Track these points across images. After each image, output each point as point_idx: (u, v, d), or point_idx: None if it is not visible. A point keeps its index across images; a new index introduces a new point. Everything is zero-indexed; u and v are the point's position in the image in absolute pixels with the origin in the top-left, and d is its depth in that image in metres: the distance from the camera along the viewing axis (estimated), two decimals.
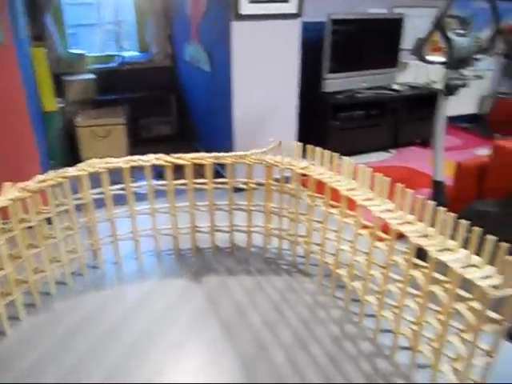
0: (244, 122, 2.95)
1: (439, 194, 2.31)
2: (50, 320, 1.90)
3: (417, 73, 4.10)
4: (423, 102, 3.78)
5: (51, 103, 3.23)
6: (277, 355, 1.70)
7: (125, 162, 2.14)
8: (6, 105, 2.37)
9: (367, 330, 1.83)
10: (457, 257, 1.37)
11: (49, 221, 2.00)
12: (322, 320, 1.89)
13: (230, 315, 1.91)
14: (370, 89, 3.69)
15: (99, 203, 2.16)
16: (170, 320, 1.89)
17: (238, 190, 2.30)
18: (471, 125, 4.65)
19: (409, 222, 1.55)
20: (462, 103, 4.66)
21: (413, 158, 3.74)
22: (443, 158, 2.26)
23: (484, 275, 1.29)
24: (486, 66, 4.57)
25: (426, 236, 1.47)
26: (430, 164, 3.15)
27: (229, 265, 2.27)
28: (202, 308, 1.96)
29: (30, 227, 1.91)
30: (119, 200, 2.20)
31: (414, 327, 1.57)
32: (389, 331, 1.74)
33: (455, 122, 4.69)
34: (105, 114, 3.60)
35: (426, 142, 3.98)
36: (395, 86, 3.83)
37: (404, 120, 3.82)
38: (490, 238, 1.32)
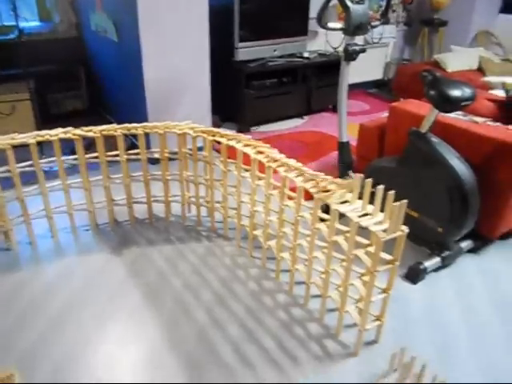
0: (156, 93, 2.92)
1: (345, 153, 2.48)
2: None
3: (326, 41, 4.25)
4: (333, 68, 3.92)
5: None
6: (198, 314, 1.78)
7: (31, 137, 2.05)
8: None
9: (284, 284, 1.96)
10: (354, 207, 1.50)
11: None
12: (241, 279, 1.99)
13: (151, 283, 1.95)
14: (281, 57, 3.77)
15: (7, 183, 2.06)
16: (91, 293, 1.89)
17: (154, 161, 2.31)
18: (378, 90, 4.94)
19: (312, 180, 1.67)
20: (369, 70, 4.92)
21: (324, 123, 3.91)
22: (346, 120, 2.41)
23: (376, 221, 1.44)
24: (390, 34, 4.84)
25: (327, 191, 1.60)
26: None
27: (149, 235, 2.29)
28: (123, 279, 1.98)
29: None
30: (28, 178, 2.12)
31: (323, 276, 1.72)
32: (302, 283, 1.88)
33: (363, 87, 4.96)
34: (6, 89, 3.37)
35: (335, 108, 4.17)
36: (306, 54, 3.94)
37: (315, 87, 3.97)
38: (379, 187, 1.46)
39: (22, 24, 3.76)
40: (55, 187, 2.18)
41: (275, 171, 1.79)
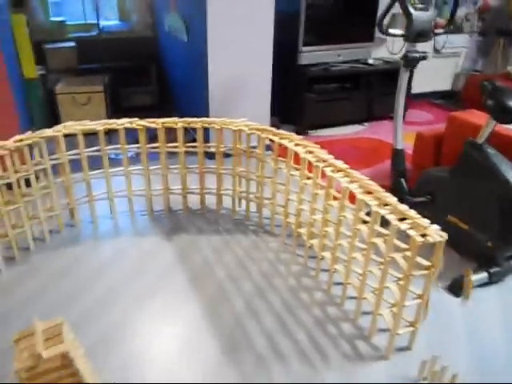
0: (219, 92, 3.05)
1: (398, 161, 2.46)
2: (28, 271, 2.03)
3: (392, 48, 4.20)
4: (397, 76, 3.88)
5: (31, 70, 3.28)
6: (237, 302, 1.86)
7: (100, 124, 2.24)
8: None
9: (322, 283, 2.00)
10: (394, 210, 1.52)
11: (27, 182, 2.11)
12: (282, 274, 2.05)
13: (197, 269, 2.06)
14: (345, 62, 3.79)
15: (76, 166, 2.26)
16: (141, 271, 2.04)
17: (211, 156, 2.43)
18: (445, 101, 4.79)
19: (356, 181, 1.69)
20: (438, 80, 4.80)
21: (384, 130, 3.87)
22: (402, 127, 2.40)
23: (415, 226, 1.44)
24: (461, 44, 4.69)
25: (370, 193, 1.62)
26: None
27: (199, 225, 2.41)
28: (172, 262, 2.10)
29: (9, 185, 2.02)
30: (95, 164, 2.31)
31: (361, 278, 1.74)
32: (341, 283, 1.90)
33: (430, 97, 4.84)
34: (85, 81, 3.66)
35: None
36: (370, 61, 3.93)
37: (378, 94, 3.94)
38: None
39: (103, 23, 4.07)
40: (118, 173, 2.36)
41: (323, 172, 1.83)
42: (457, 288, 1.97)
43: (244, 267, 2.08)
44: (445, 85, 4.90)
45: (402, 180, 2.44)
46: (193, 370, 1.55)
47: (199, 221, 2.45)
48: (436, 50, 4.54)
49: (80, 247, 2.21)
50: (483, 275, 1.99)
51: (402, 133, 2.42)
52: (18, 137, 2.07)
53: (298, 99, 3.65)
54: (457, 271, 2.01)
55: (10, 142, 2.02)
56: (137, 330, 1.71)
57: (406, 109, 4.18)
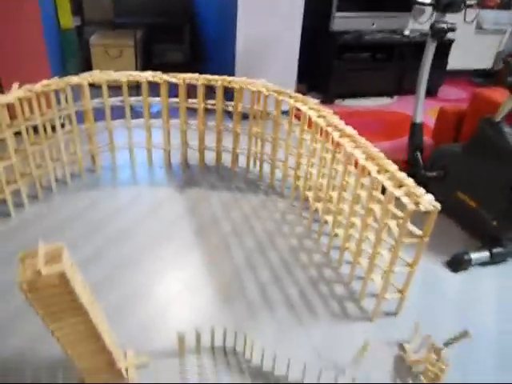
0: (246, 54, 3.06)
1: (416, 135, 2.44)
2: (50, 209, 2.18)
3: (419, 18, 4.06)
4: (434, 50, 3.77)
5: (67, 20, 3.38)
6: (238, 255, 1.95)
7: (124, 75, 2.32)
8: (20, 13, 2.53)
9: (323, 245, 2.05)
10: (392, 177, 1.54)
11: (52, 128, 2.23)
12: (285, 234, 2.11)
13: (205, 221, 2.15)
14: (379, 31, 3.70)
15: (99, 116, 2.36)
16: (152, 217, 2.15)
17: (231, 115, 2.48)
18: (483, 80, 4.62)
19: (361, 147, 1.72)
20: (478, 58, 4.63)
21: (412, 105, 3.79)
22: (423, 101, 2.37)
23: (411, 194, 1.47)
24: (508, 21, 4.48)
25: (373, 159, 1.64)
26: (427, 114, 3.24)
27: (212, 181, 2.49)
28: (182, 213, 2.20)
29: (35, 127, 2.14)
30: (119, 116, 2.41)
31: (357, 243, 1.78)
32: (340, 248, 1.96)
33: (468, 75, 4.68)
34: (118, 35, 3.74)
35: (431, 91, 4.01)
36: (406, 32, 3.82)
37: (410, 67, 3.84)
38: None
39: None
40: (139, 124, 2.45)
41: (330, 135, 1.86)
42: (456, 264, 1.99)
43: (249, 224, 2.16)
44: (486, 63, 4.72)
45: (418, 154, 2.43)
46: (188, 310, 1.66)
47: (213, 177, 2.53)
48: (479, 27, 4.36)
49: (98, 192, 2.33)
50: (485, 254, 2.00)
51: (422, 106, 2.40)
52: (45, 81, 2.17)
53: (327, 67, 3.62)
54: (459, 248, 2.02)
55: (38, 86, 2.12)
56: (142, 269, 1.83)
57: (439, 84, 4.09)
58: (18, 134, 2.05)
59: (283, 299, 1.73)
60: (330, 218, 2.00)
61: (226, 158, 2.61)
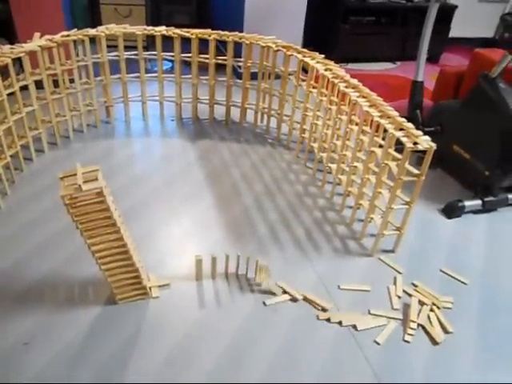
0: (254, 15, 3.14)
1: (417, 93, 2.56)
2: (69, 155, 2.31)
3: None
4: (436, 16, 3.84)
5: None
6: (247, 198, 2.09)
7: (139, 29, 2.41)
8: None
9: (326, 192, 2.20)
10: (393, 122, 1.67)
11: (70, 80, 2.33)
12: (291, 181, 2.25)
13: (215, 167, 2.29)
14: None
15: (115, 70, 2.47)
16: (165, 165, 2.29)
17: (239, 75, 2.58)
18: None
19: (365, 97, 1.84)
20: (480, 26, 4.68)
21: None
22: (425, 60, 2.48)
23: (410, 136, 1.60)
24: None
25: (376, 106, 1.77)
26: (428, 79, 3.34)
27: (222, 134, 2.62)
28: (193, 160, 2.34)
29: (55, 76, 2.25)
30: (133, 70, 2.51)
31: (359, 185, 1.92)
32: (342, 194, 2.10)
33: (470, 43, 4.74)
34: None
35: (432, 58, 4.10)
36: None
37: (414, 32, 3.91)
38: None
39: None
40: (152, 78, 2.55)
41: (338, 89, 1.98)
42: (450, 211, 2.13)
43: (257, 171, 2.30)
44: (487, 32, 4.78)
45: (418, 111, 2.55)
46: (202, 244, 1.81)
47: (222, 130, 2.65)
48: None
49: (113, 141, 2.46)
50: (477, 202, 2.15)
51: (423, 66, 2.51)
52: (64, 32, 2.27)
53: (332, 30, 3.70)
54: (453, 197, 2.17)
55: (58, 37, 2.22)
56: (159, 208, 1.98)
57: (440, 51, 4.18)
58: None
59: (290, 237, 1.88)
60: (333, 166, 2.14)
61: (235, 113, 2.73)
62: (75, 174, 1.25)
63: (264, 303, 1.55)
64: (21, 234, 1.77)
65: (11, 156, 2.05)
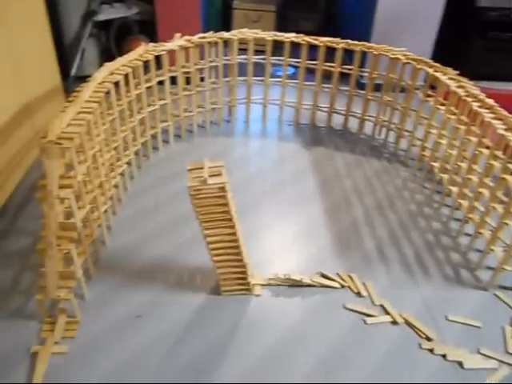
0: (384, 25, 3.07)
1: None
2: (191, 148, 2.47)
3: None
4: None
5: None
6: (357, 210, 2.06)
7: (269, 35, 2.49)
8: None
9: (443, 215, 2.07)
10: None
11: (201, 78, 2.49)
12: (405, 199, 2.17)
13: (327, 176, 2.29)
14: None
15: (241, 72, 2.58)
16: (278, 167, 2.36)
17: (362, 86, 2.55)
18: None
19: (502, 119, 1.70)
20: None
21: None
22: None
23: None
24: None
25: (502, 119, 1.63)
26: None
27: (337, 143, 2.60)
28: (306, 167, 2.36)
29: (188, 74, 2.41)
30: (257, 73, 2.60)
31: (483, 214, 1.79)
32: (461, 220, 1.97)
33: None
34: (259, 0, 3.93)
35: None
36: None
37: None
38: None
39: None
40: (276, 83, 2.63)
41: (470, 109, 1.86)
42: None
43: (370, 185, 2.24)
44: None
45: None
46: (305, 252, 1.82)
47: (338, 139, 2.64)
48: None
49: (232, 140, 2.58)
50: None
51: None
52: (201, 34, 2.42)
53: (466, 44, 3.47)
54: None
55: (195, 38, 2.38)
56: (266, 208, 2.03)
57: None
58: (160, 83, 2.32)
59: (398, 257, 1.81)
60: (454, 189, 2.01)
61: (353, 124, 2.70)
62: (202, 168, 1.33)
63: (364, 321, 1.51)
64: (143, 216, 1.93)
65: (142, 144, 2.25)
